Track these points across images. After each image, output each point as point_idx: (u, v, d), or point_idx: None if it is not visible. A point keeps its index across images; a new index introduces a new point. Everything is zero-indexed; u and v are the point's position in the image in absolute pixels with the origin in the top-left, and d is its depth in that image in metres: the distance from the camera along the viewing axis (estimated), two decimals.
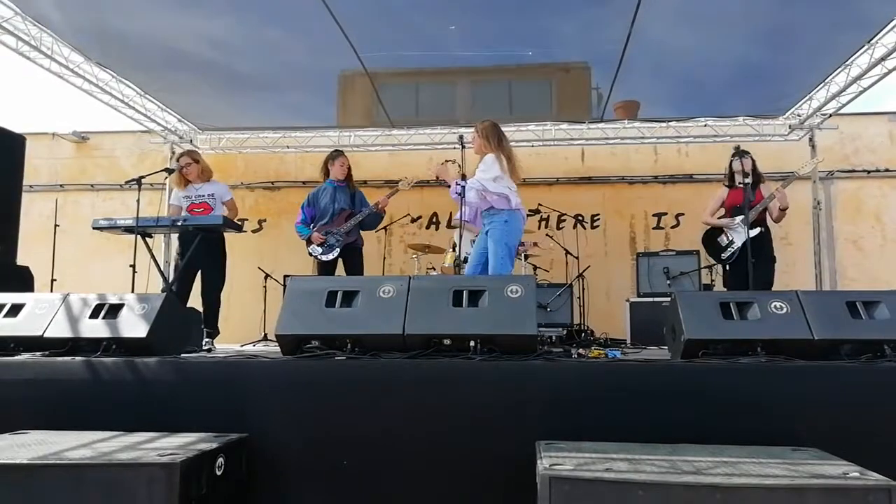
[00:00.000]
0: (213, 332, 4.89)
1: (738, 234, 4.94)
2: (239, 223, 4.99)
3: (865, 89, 6.18)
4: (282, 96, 6.96)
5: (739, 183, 4.85)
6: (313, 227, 5.19)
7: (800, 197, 7.53)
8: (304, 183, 8.44)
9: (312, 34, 5.49)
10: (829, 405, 2.50)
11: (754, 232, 4.71)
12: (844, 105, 6.69)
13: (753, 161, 4.93)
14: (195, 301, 4.94)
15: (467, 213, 4.36)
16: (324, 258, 5.11)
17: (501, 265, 4.21)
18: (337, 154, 5.32)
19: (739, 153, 4.96)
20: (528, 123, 7.67)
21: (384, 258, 7.40)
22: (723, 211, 5.22)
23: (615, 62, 5.94)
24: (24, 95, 28.34)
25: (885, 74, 5.81)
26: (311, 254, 5.22)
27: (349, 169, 5.30)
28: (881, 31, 5.36)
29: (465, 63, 6.27)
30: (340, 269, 5.32)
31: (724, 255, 5.08)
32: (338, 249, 5.10)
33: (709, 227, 5.26)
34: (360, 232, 5.33)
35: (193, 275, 4.87)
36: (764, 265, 4.63)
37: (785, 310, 2.87)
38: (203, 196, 5.02)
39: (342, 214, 5.14)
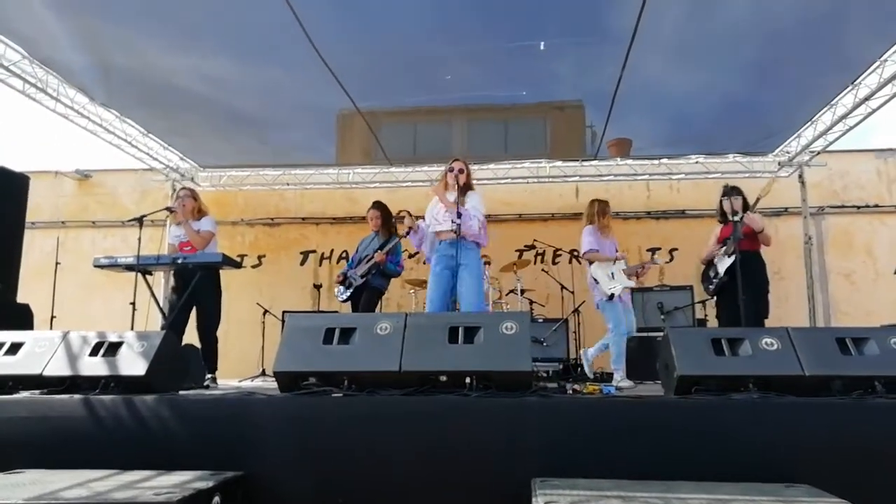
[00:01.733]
0: (214, 368, 4.90)
1: (721, 264, 4.94)
2: (237, 260, 5.04)
3: (851, 128, 6.34)
4: (282, 134, 7.10)
5: (732, 218, 4.90)
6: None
7: (791, 232, 7.65)
8: (303, 219, 8.56)
9: (311, 74, 5.64)
10: (820, 441, 2.52)
11: (730, 260, 4.75)
12: (831, 143, 6.85)
13: (744, 198, 4.97)
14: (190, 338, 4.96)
15: (419, 243, 4.50)
16: (339, 298, 5.62)
17: (481, 300, 4.33)
18: (371, 206, 5.76)
19: (728, 192, 5.01)
20: (524, 161, 7.82)
21: (382, 293, 7.42)
22: (718, 247, 5.22)
23: (607, 99, 6.10)
24: (27, 135, 28.68)
25: (870, 114, 5.97)
26: (335, 295, 5.77)
27: (381, 217, 5.68)
28: (864, 72, 5.55)
29: (461, 102, 6.44)
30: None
31: (711, 287, 5.10)
32: (349, 291, 5.49)
33: (704, 264, 5.26)
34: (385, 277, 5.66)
35: (189, 311, 4.90)
36: (754, 296, 4.55)
37: (776, 346, 2.91)
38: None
39: (364, 259, 5.53)
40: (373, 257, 5.44)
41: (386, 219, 5.68)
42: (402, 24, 4.97)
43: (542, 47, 5.14)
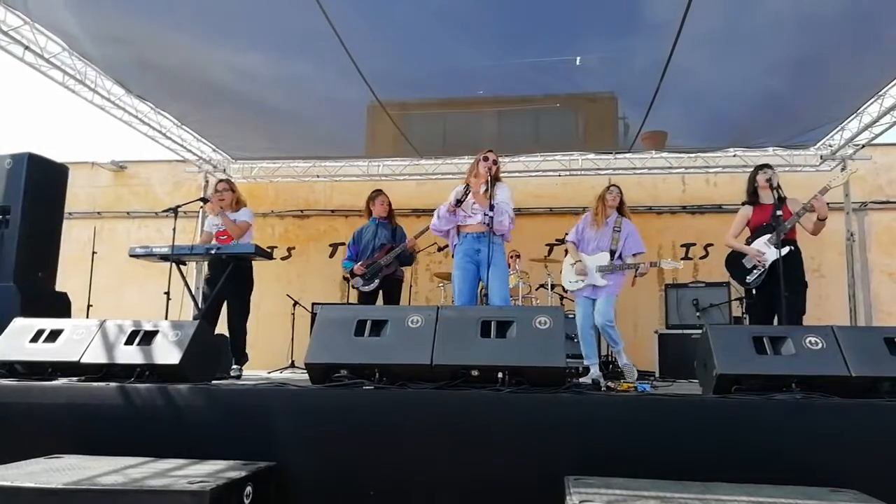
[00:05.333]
0: (242, 359, 4.95)
1: (766, 255, 4.42)
2: (269, 251, 5.07)
3: None
4: (312, 126, 7.11)
5: (778, 195, 4.33)
6: (358, 263, 5.40)
7: (833, 228, 7.38)
8: (332, 211, 8.59)
9: (341, 68, 5.63)
10: (868, 445, 2.42)
11: (784, 251, 4.19)
12: (877, 136, 6.60)
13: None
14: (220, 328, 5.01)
15: (447, 231, 4.41)
16: (364, 289, 5.33)
17: (508, 297, 4.30)
18: (377, 193, 5.57)
19: (762, 166, 4.61)
20: (555, 153, 7.71)
21: (411, 286, 7.45)
22: (747, 232, 4.66)
23: (641, 92, 5.97)
24: (65, 126, 29.43)
25: None
26: (354, 286, 5.47)
27: (390, 205, 5.52)
28: None
29: (491, 93, 6.37)
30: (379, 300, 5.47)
31: (750, 279, 4.49)
32: (377, 281, 5.27)
33: (732, 249, 4.72)
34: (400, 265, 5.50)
35: (221, 302, 4.96)
36: (794, 291, 4.13)
37: (820, 345, 2.81)
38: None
39: (383, 249, 5.35)
40: (393, 247, 5.31)
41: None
42: (432, 17, 4.95)
43: (577, 62, 5.11)
